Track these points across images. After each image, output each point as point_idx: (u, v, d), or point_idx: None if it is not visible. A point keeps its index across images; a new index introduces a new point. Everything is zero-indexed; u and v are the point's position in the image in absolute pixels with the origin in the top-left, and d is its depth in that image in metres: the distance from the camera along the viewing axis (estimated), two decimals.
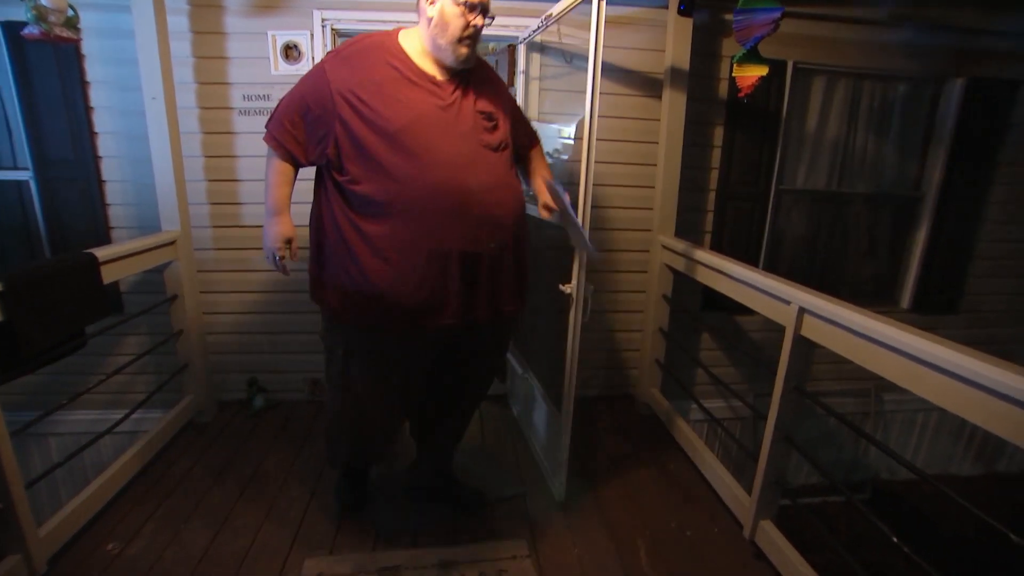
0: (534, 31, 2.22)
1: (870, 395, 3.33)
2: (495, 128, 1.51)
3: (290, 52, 2.42)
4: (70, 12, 1.91)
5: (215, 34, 2.40)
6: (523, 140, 1.72)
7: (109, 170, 2.53)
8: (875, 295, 3.28)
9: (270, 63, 2.43)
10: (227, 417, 2.62)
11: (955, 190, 3.04)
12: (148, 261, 2.18)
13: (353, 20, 2.40)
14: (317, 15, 2.39)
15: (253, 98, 2.46)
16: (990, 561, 2.56)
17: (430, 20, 1.39)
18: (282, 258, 1.57)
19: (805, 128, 2.96)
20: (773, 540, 1.75)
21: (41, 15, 1.80)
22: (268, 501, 2.01)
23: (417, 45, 1.46)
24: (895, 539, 1.33)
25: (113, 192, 2.56)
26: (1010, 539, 1.05)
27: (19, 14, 2.19)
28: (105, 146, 2.50)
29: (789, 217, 3.06)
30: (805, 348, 1.66)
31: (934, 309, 3.26)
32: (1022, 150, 3.07)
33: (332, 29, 2.40)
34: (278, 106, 1.51)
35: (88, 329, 1.80)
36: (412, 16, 2.40)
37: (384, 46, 1.45)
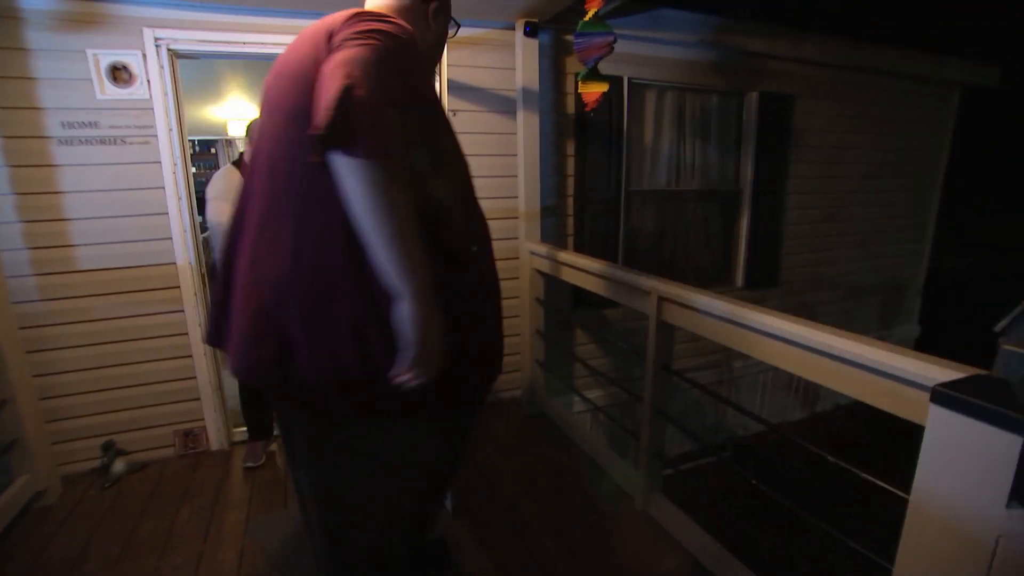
0: None
1: (722, 365, 3.85)
2: None
3: (119, 74, 2.18)
4: None
5: (15, 50, 2.07)
6: None
7: None
8: (716, 278, 3.80)
9: (95, 86, 2.16)
10: (77, 493, 2.26)
11: (763, 185, 3.66)
12: None
13: (192, 41, 2.24)
14: (148, 33, 2.18)
15: (76, 125, 2.16)
16: (822, 490, 3.11)
17: None
18: None
19: (644, 135, 3.35)
20: (662, 507, 1.97)
21: None
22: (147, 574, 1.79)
23: None
24: (753, 481, 1.59)
25: None
26: (827, 461, 1.32)
27: None
28: None
29: (640, 215, 3.43)
30: (666, 331, 1.90)
31: (761, 285, 3.87)
32: (800, 151, 3.81)
33: (169, 50, 2.21)
34: (369, 98, 0.80)
35: None
36: (259, 36, 2.33)
37: None
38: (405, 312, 0.86)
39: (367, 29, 0.87)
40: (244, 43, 2.31)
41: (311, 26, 0.98)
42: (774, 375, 4.11)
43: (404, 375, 0.88)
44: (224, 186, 2.24)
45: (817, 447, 1.40)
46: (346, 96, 0.77)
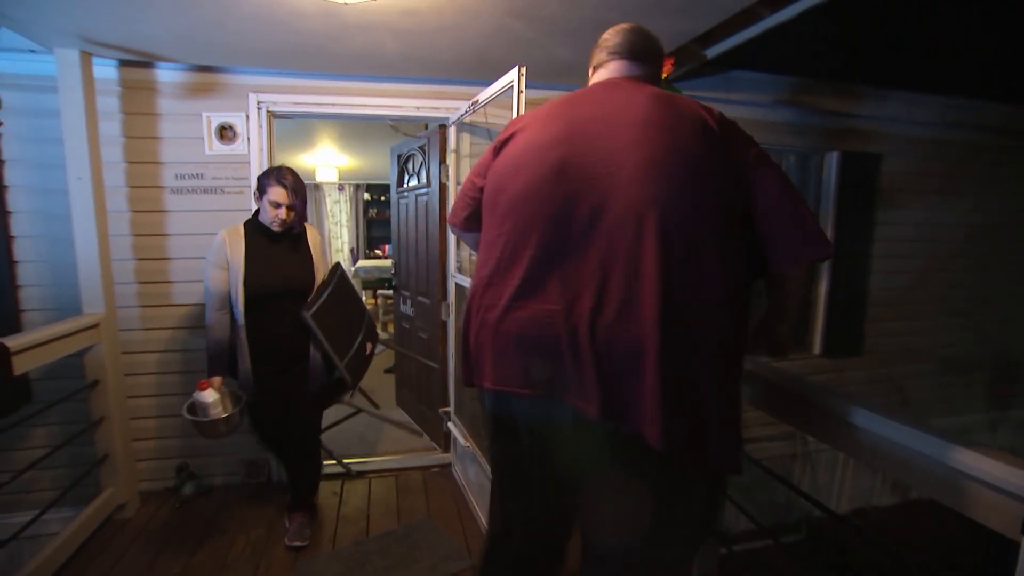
0: (463, 113, 2.40)
1: (796, 437, 3.56)
2: None
3: (225, 133, 2.46)
4: None
5: (148, 115, 2.42)
6: None
7: (23, 250, 2.41)
8: (793, 344, 3.57)
9: (204, 143, 2.45)
10: (151, 510, 2.43)
11: (845, 246, 3.44)
12: (67, 347, 2.07)
13: (288, 103, 2.49)
14: (252, 98, 2.46)
15: (186, 177, 2.46)
16: None
17: None
18: None
19: None
20: None
21: None
22: None
23: None
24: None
25: (26, 273, 2.43)
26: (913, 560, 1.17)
27: None
28: (19, 226, 2.39)
29: None
30: None
31: (841, 353, 3.59)
32: (888, 212, 3.56)
33: (268, 111, 2.48)
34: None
35: None
36: (344, 99, 2.56)
37: None
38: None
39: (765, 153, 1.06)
40: (332, 104, 2.55)
41: (656, 97, 1.03)
42: None
43: None
44: (216, 250, 2.03)
45: (905, 542, 1.24)
46: (810, 214, 1.01)
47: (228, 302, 2.03)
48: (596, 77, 1.20)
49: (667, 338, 0.92)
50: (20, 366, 1.80)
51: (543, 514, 1.22)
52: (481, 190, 1.20)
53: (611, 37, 1.18)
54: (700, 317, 0.95)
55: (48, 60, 2.20)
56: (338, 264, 2.32)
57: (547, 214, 1.01)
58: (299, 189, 2.05)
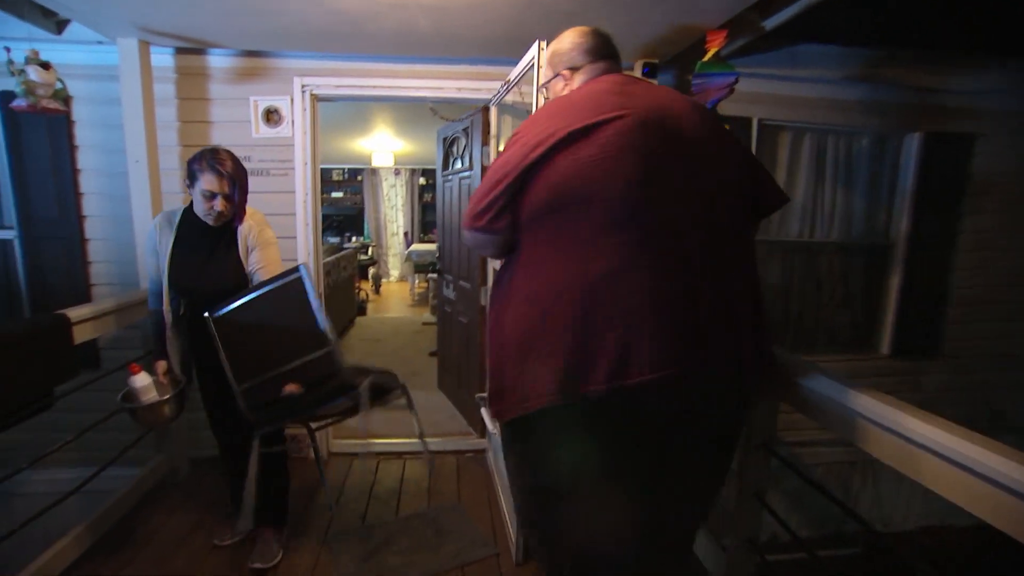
0: (500, 94, 2.33)
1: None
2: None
3: (271, 116, 2.52)
4: (58, 85, 2.00)
5: (200, 100, 2.52)
6: None
7: (92, 229, 2.59)
8: (854, 342, 3.29)
9: (251, 126, 2.53)
10: (199, 476, 2.58)
11: (923, 239, 3.11)
12: (128, 317, 2.21)
13: (331, 86, 2.52)
14: (297, 81, 2.51)
15: None
16: None
17: None
18: None
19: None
20: None
21: (30, 89, 1.90)
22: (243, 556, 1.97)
23: None
24: None
25: (95, 250, 2.61)
26: None
27: (9, 84, 2.31)
28: (89, 206, 2.57)
29: (762, 268, 3.11)
30: (770, 406, 1.66)
31: (914, 354, 3.27)
32: (980, 199, 3.16)
33: (312, 95, 2.52)
34: None
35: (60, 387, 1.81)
36: (386, 80, 2.55)
37: None
38: None
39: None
40: (374, 86, 2.55)
41: (691, 102, 1.17)
42: None
43: None
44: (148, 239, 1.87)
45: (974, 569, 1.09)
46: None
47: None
48: (584, 76, 1.27)
49: None
50: (85, 334, 1.94)
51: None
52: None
53: (583, 40, 1.28)
54: None
55: (112, 50, 2.32)
56: (297, 268, 1.75)
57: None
58: (238, 176, 1.73)
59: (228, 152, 1.74)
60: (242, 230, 1.82)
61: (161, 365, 1.90)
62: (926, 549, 3.19)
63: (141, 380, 1.77)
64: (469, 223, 1.19)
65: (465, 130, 3.03)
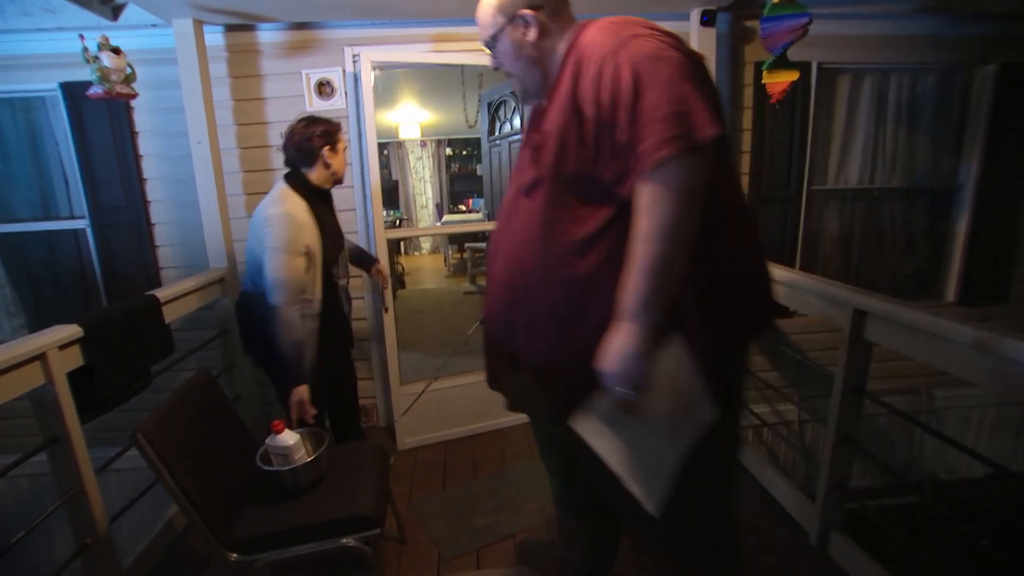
0: None
1: (920, 392, 3.25)
2: (536, 159, 1.04)
3: (323, 88, 2.51)
4: (128, 70, 2.02)
5: (252, 77, 2.50)
6: (596, 167, 0.94)
7: (156, 213, 2.64)
8: (918, 290, 3.21)
9: (304, 100, 2.51)
10: None
11: (995, 179, 2.99)
12: (199, 299, 2.26)
13: (382, 55, 2.47)
14: (348, 51, 2.48)
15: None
16: None
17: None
18: None
19: (833, 127, 2.95)
20: (843, 548, 1.72)
21: (104, 75, 1.92)
22: None
23: None
24: (984, 542, 1.30)
25: (161, 234, 2.66)
26: None
27: (74, 75, 2.33)
28: (152, 191, 2.61)
29: (823, 216, 3.03)
30: (862, 348, 1.64)
31: (982, 300, 3.18)
32: None
33: (368, 61, 2.47)
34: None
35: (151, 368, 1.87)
36: (436, 45, 2.50)
37: None
38: None
39: None
40: (427, 52, 2.50)
41: None
42: (996, 413, 3.35)
43: None
44: (294, 236, 1.72)
45: None
46: None
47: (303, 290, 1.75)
48: (562, 18, 1.08)
49: None
50: (169, 315, 2.00)
51: None
52: None
53: None
54: None
55: (165, 33, 2.31)
56: None
57: None
58: None
59: None
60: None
61: (301, 393, 1.73)
62: (995, 494, 3.17)
63: (289, 438, 1.52)
64: (701, 131, 0.83)
65: (513, 92, 2.97)
